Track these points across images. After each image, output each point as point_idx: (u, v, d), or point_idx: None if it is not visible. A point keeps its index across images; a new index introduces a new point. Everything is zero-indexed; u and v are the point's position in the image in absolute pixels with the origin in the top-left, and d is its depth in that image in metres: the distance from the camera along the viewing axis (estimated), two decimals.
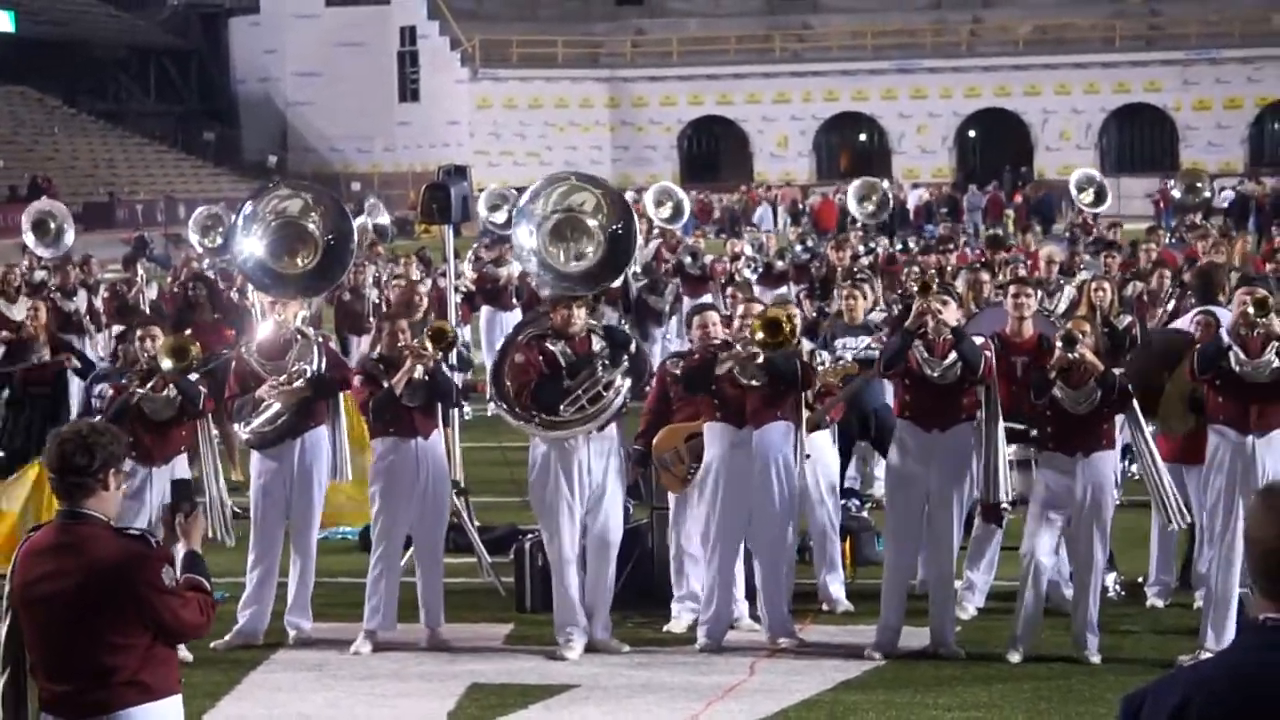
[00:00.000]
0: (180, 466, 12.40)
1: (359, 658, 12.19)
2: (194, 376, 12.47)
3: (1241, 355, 11.35)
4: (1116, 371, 11.81)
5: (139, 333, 13.17)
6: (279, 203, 13.38)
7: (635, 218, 13.04)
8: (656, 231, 30.65)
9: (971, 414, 11.94)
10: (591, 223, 12.49)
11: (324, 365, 12.76)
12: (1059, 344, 11.67)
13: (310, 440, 12.69)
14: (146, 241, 46.05)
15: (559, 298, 12.33)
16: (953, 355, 11.81)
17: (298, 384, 12.56)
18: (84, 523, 6.56)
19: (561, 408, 11.90)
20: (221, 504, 12.61)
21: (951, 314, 12.10)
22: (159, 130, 73.42)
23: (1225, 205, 49.52)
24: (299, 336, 12.90)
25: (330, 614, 12.96)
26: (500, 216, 29.71)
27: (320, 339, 13.17)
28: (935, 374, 11.81)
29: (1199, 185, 33.67)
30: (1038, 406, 11.67)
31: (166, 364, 12.24)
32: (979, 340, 12.06)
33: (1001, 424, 11.98)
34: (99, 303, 22.67)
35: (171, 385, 12.27)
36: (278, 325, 12.93)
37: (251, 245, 13.18)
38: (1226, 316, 13.08)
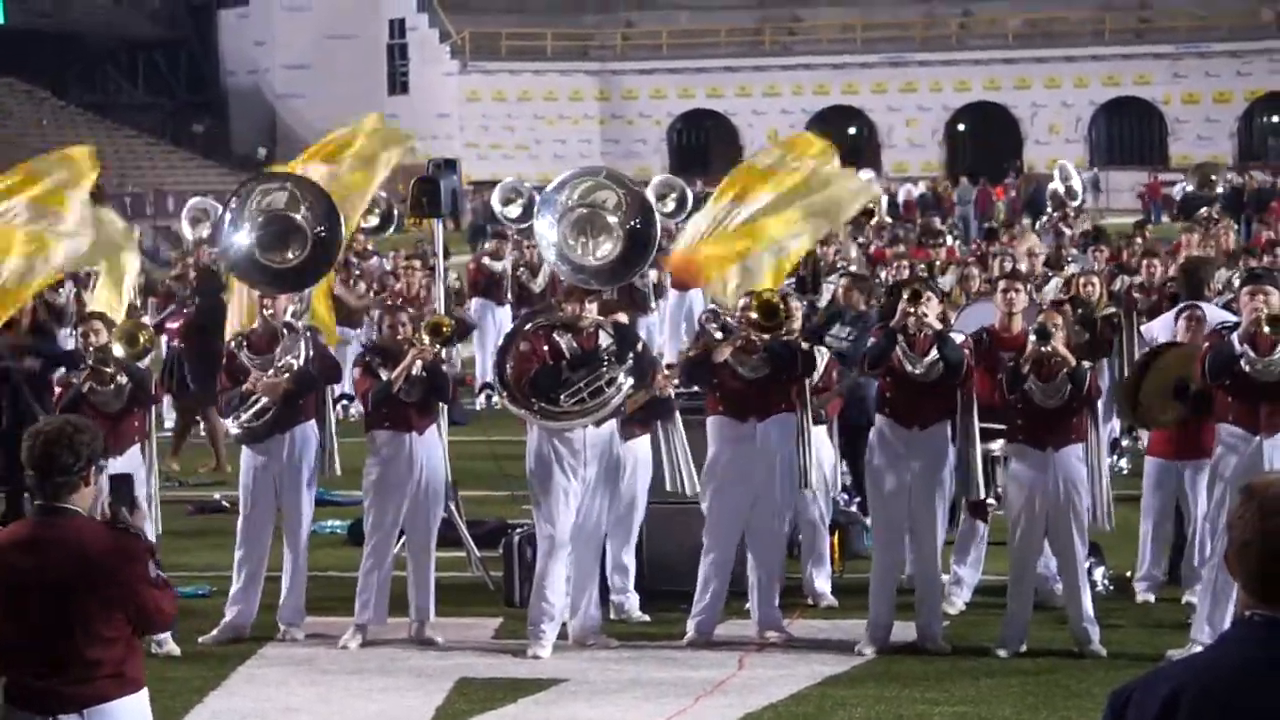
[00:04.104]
0: (133, 457, 12.33)
1: (347, 652, 12.18)
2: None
3: (1252, 354, 11.31)
4: (1086, 365, 11.82)
5: (81, 328, 13.12)
6: (264, 197, 13.33)
7: (656, 217, 13.07)
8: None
9: (950, 413, 11.95)
10: (612, 219, 12.50)
11: (311, 359, 12.75)
12: (1032, 337, 11.68)
13: (299, 435, 12.66)
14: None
15: (572, 290, 12.34)
16: (934, 353, 11.82)
17: (284, 377, 12.54)
18: (65, 516, 6.55)
19: (562, 398, 11.90)
20: (148, 498, 12.61)
21: (935, 312, 12.10)
22: (148, 122, 73.25)
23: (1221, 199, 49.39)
24: (286, 330, 12.88)
25: (319, 608, 12.95)
26: (514, 210, 29.58)
27: (308, 333, 13.15)
28: (918, 371, 11.81)
29: (1213, 179, 33.51)
30: (1009, 399, 11.67)
31: (119, 351, 12.27)
32: (959, 339, 12.09)
33: (976, 421, 12.02)
34: (87, 295, 22.63)
35: (123, 372, 12.29)
36: (267, 319, 12.91)
37: (241, 240, 13.14)
38: (1211, 311, 13.11)
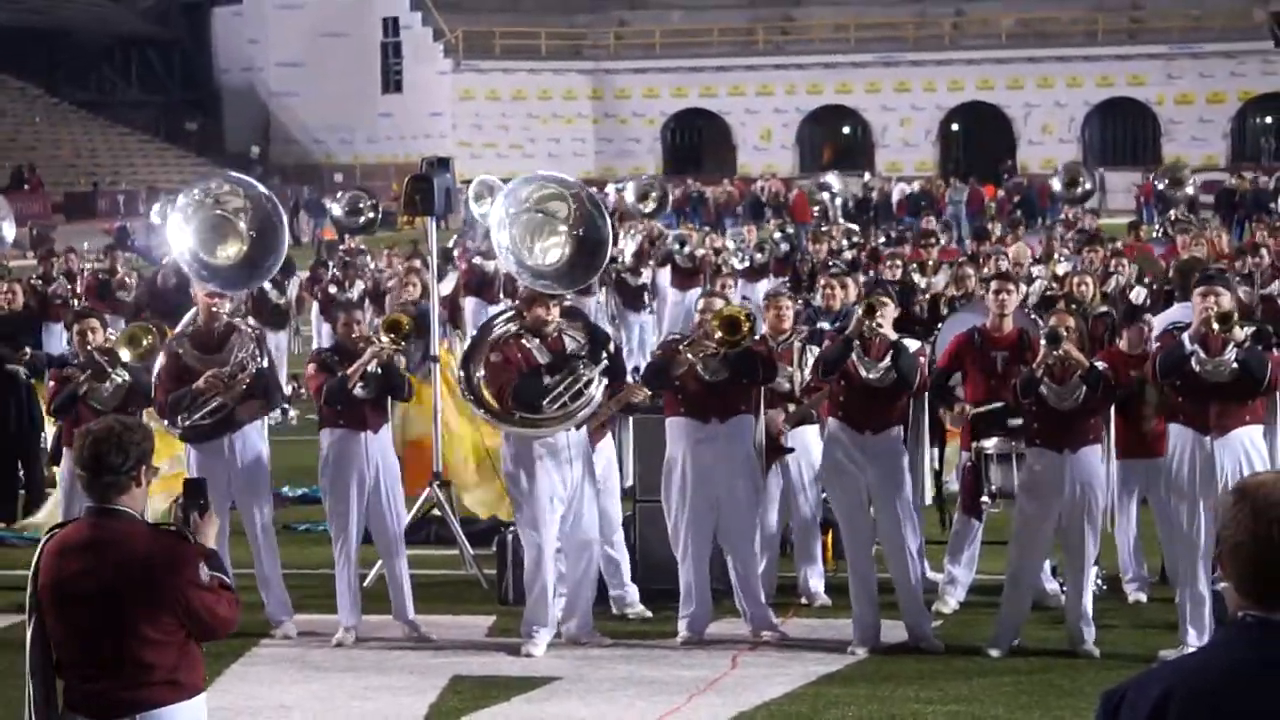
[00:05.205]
0: None
1: (340, 649, 12.19)
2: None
3: (1202, 354, 11.35)
4: (1100, 366, 11.83)
5: (76, 326, 13.02)
6: (208, 196, 13.29)
7: (609, 221, 13.03)
8: (641, 224, 30.65)
9: (903, 419, 11.97)
10: (563, 227, 12.48)
11: (265, 359, 12.70)
12: (1043, 341, 11.69)
13: (247, 433, 12.58)
14: (129, 232, 45.98)
15: (534, 295, 12.29)
16: (888, 359, 11.81)
17: (245, 375, 12.46)
18: (116, 518, 6.49)
19: (544, 404, 11.87)
20: None
21: (890, 318, 12.07)
22: (141, 120, 73.22)
23: (1210, 199, 49.45)
24: (236, 330, 12.82)
25: (312, 606, 12.95)
26: (486, 207, 29.67)
27: (255, 333, 13.08)
28: (872, 376, 11.79)
29: (1181, 179, 33.63)
30: (1024, 404, 11.68)
31: (125, 354, 12.22)
32: (913, 346, 12.09)
33: (927, 428, 12.10)
34: (80, 289, 22.63)
35: (123, 373, 12.21)
36: (212, 318, 12.77)
37: (185, 237, 13.11)
38: (1185, 315, 13.12)
